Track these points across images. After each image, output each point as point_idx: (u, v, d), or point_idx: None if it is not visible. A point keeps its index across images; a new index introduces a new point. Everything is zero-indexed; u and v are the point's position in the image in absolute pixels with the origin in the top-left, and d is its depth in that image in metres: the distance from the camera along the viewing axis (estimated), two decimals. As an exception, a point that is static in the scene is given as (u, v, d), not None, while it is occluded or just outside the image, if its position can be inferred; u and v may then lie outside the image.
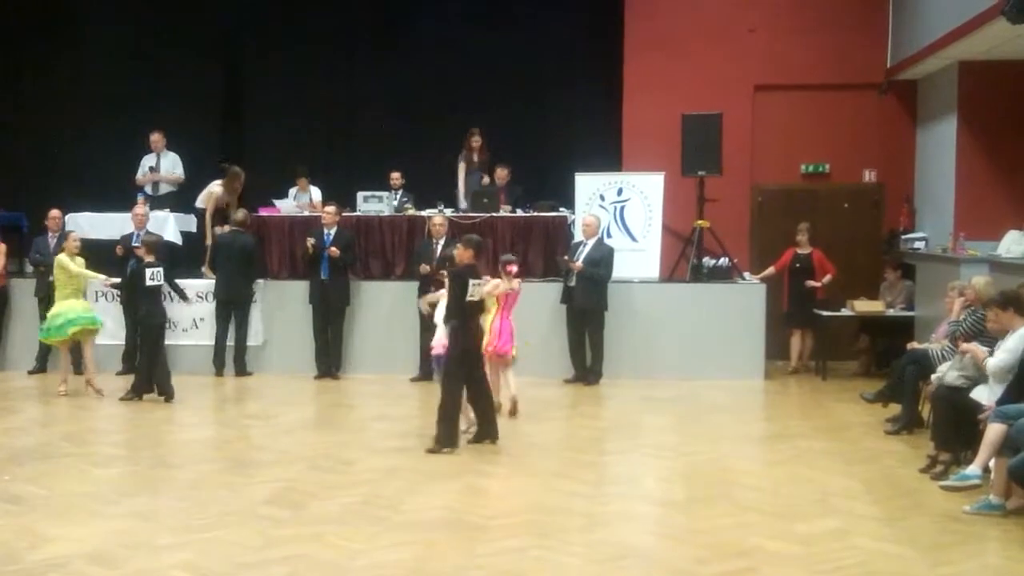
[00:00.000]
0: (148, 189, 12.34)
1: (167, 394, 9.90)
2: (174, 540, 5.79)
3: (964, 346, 7.45)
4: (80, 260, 10.26)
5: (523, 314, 9.69)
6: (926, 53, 11.44)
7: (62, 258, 10.12)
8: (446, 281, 8.25)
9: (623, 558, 5.54)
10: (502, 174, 12.40)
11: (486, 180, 12.42)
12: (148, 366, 10.01)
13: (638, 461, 7.94)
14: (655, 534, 6.10)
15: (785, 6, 13.01)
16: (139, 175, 12.44)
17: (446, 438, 7.82)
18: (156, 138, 12.41)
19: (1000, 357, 6.95)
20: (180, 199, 12.45)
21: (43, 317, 11.63)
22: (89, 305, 10.55)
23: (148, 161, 12.45)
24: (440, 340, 8.22)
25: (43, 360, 11.69)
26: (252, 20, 13.98)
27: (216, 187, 11.98)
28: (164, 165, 12.41)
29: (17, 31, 13.90)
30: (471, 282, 7.91)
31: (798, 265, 11.96)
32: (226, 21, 13.95)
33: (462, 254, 8.14)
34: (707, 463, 7.65)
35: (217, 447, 8.29)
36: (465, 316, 7.95)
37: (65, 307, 10.09)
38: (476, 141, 12.47)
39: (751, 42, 13.00)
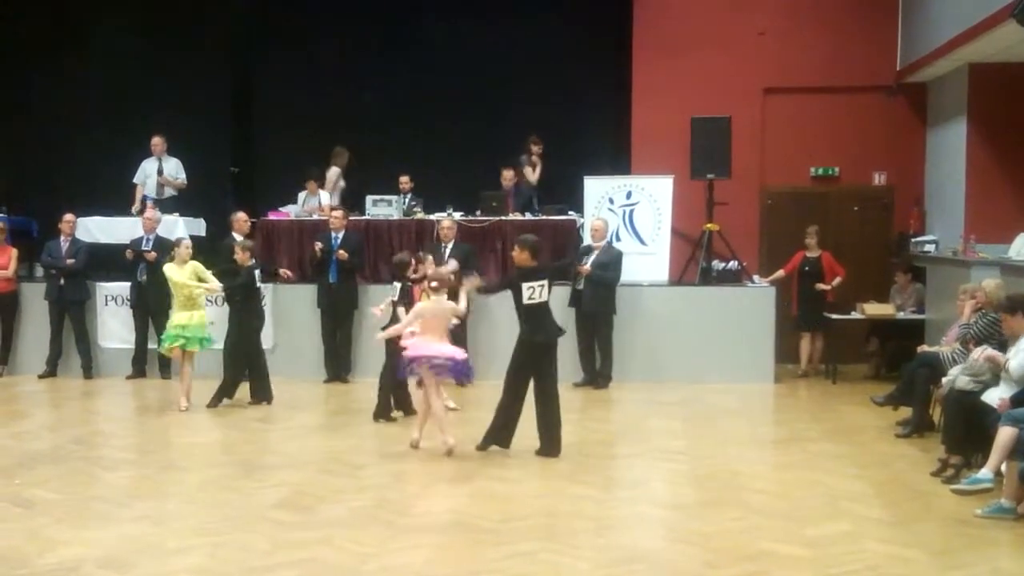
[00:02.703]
0: (152, 193, 12.37)
1: (268, 398, 10.02)
2: (184, 544, 5.80)
3: (985, 354, 7.32)
4: (192, 265, 9.70)
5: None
6: (936, 55, 11.43)
7: (167, 269, 9.64)
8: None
9: (632, 562, 5.52)
10: (508, 176, 12.40)
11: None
12: (258, 368, 10.07)
13: (647, 465, 7.92)
14: (664, 538, 6.08)
15: (794, 9, 13.00)
16: (137, 178, 12.46)
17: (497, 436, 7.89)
18: (157, 141, 12.43)
19: (1019, 359, 6.88)
20: (182, 203, 12.49)
21: (53, 322, 11.72)
22: (203, 318, 9.77)
23: (148, 165, 12.49)
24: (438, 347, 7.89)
25: (53, 364, 11.74)
26: (260, 24, 14.05)
27: (332, 172, 12.45)
28: (167, 169, 12.46)
29: (25, 37, 13.96)
30: (526, 284, 7.71)
31: (807, 268, 11.94)
32: (234, 25, 14.02)
33: (519, 256, 7.89)
34: (716, 467, 7.63)
35: (226, 451, 8.29)
36: (528, 322, 7.76)
37: (179, 320, 9.59)
38: (536, 150, 12.39)
39: (760, 45, 13.00)
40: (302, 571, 5.39)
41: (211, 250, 11.34)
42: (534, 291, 7.74)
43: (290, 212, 12.39)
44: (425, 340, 7.90)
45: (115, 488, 7.07)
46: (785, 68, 12.95)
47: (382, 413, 9.13)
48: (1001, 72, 11.14)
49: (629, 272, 11.25)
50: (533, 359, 7.81)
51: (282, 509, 6.46)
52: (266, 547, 5.74)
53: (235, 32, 14.11)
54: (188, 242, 10.00)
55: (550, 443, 7.83)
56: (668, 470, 7.67)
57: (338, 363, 11.43)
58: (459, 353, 7.99)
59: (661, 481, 7.45)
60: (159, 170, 12.41)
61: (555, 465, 7.69)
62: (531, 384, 7.86)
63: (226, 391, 9.90)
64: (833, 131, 13.00)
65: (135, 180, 12.49)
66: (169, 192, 12.46)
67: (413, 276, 9.04)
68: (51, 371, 11.73)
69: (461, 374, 8.12)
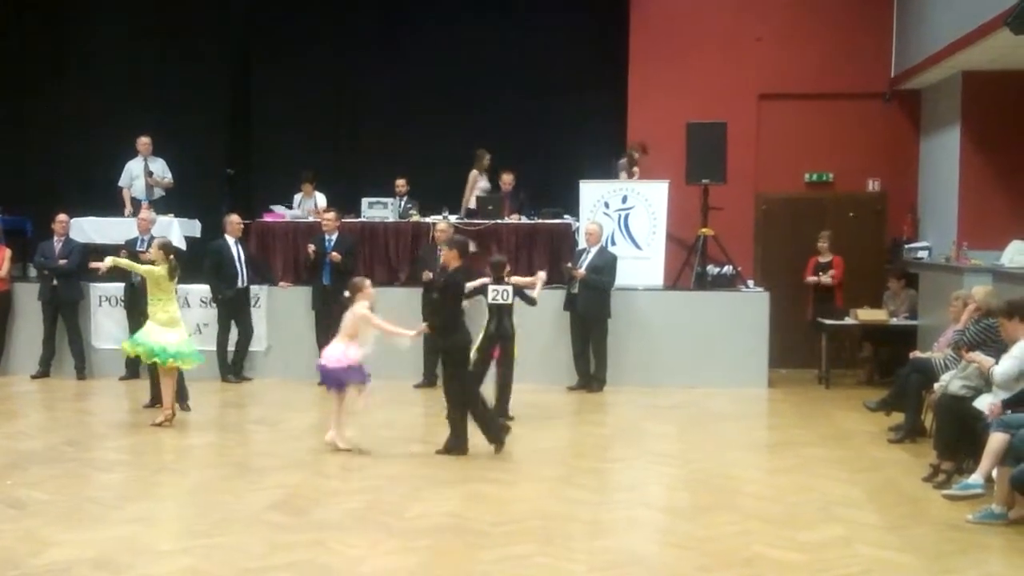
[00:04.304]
0: (141, 195, 12.34)
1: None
2: (177, 546, 5.80)
3: (969, 356, 7.44)
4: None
5: (526, 320, 9.72)
6: (930, 63, 11.47)
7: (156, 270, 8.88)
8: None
9: (627, 565, 5.54)
10: (507, 179, 12.41)
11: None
12: None
13: (642, 468, 7.93)
14: (659, 542, 6.09)
15: (790, 15, 13.04)
16: (123, 181, 12.44)
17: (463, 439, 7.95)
18: (145, 141, 12.43)
19: (1005, 365, 6.94)
20: (178, 204, 12.47)
21: (46, 322, 11.68)
22: (176, 330, 8.94)
23: (134, 166, 12.46)
24: (339, 354, 8.03)
25: (46, 365, 11.71)
26: (259, 26, 14.04)
27: (472, 175, 12.50)
28: (155, 170, 12.45)
29: (22, 37, 13.94)
30: (468, 285, 7.92)
31: (819, 273, 12.04)
32: (232, 27, 14.00)
33: (447, 256, 8.13)
34: (711, 471, 7.65)
35: (220, 452, 8.29)
36: (462, 323, 7.93)
37: (151, 332, 8.85)
38: (636, 157, 12.26)
39: (756, 51, 13.03)
40: (296, 573, 5.39)
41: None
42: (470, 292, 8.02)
43: (285, 214, 12.38)
44: None
45: (108, 489, 7.06)
46: (780, 74, 12.99)
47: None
48: (994, 80, 11.19)
49: (624, 276, 11.26)
50: (466, 359, 7.99)
51: (276, 511, 6.46)
52: (260, 549, 5.73)
53: (232, 33, 14.09)
54: (161, 240, 9.63)
55: (498, 430, 8.01)
56: (662, 474, 7.69)
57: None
58: (333, 359, 8.03)
59: (655, 485, 7.46)
60: (148, 171, 12.39)
61: (549, 468, 7.70)
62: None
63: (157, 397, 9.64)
64: (828, 137, 13.03)
65: (120, 183, 12.47)
66: (158, 192, 12.45)
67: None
68: (44, 372, 11.70)
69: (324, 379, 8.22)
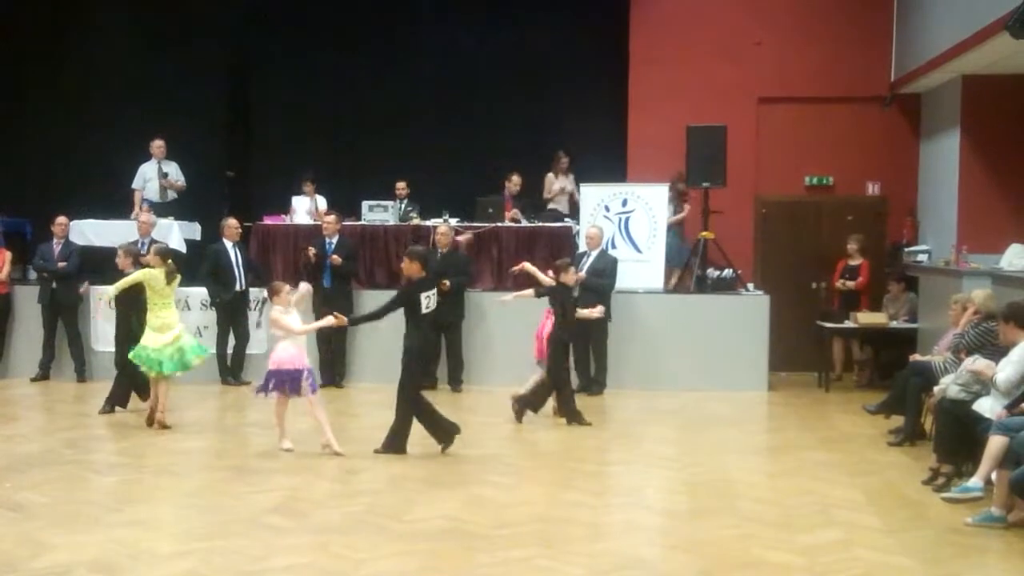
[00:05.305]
0: (154, 197, 12.37)
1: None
2: (177, 548, 5.79)
3: (972, 367, 7.38)
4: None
5: (526, 324, 9.73)
6: (930, 67, 11.49)
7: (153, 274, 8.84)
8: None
9: (626, 568, 5.53)
10: (516, 181, 12.42)
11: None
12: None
13: (641, 472, 7.93)
14: (658, 545, 6.10)
15: (790, 19, 13.07)
16: (136, 183, 12.46)
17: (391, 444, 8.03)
18: (159, 144, 12.46)
19: (1008, 371, 6.92)
20: (178, 207, 12.48)
21: (46, 325, 11.66)
22: (178, 336, 8.95)
23: (148, 169, 12.48)
24: (286, 356, 8.06)
25: (46, 368, 11.71)
26: (258, 28, 14.05)
27: (548, 177, 12.61)
28: (169, 172, 12.48)
29: (22, 38, 13.95)
30: (423, 295, 7.89)
31: (847, 276, 12.15)
32: (232, 28, 14.02)
33: (409, 267, 8.07)
34: (710, 474, 7.65)
35: (220, 455, 8.28)
36: (421, 329, 7.96)
37: (152, 339, 8.84)
38: (683, 187, 12.22)
39: (756, 54, 13.06)
40: (295, 576, 5.40)
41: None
42: (430, 300, 7.95)
43: (296, 208, 12.31)
44: None
45: (107, 492, 7.05)
46: (780, 78, 13.01)
47: (574, 418, 9.40)
48: (994, 84, 11.20)
49: (624, 279, 11.27)
50: (425, 365, 8.04)
51: (276, 514, 6.46)
52: (260, 552, 5.73)
53: (232, 36, 14.10)
54: (160, 245, 9.71)
55: (448, 433, 8.03)
56: (662, 477, 7.69)
57: (333, 368, 11.43)
58: (286, 360, 8.10)
59: (655, 488, 7.46)
60: (163, 173, 12.41)
61: (549, 471, 7.71)
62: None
63: (119, 399, 9.70)
64: (828, 141, 13.05)
65: (134, 186, 12.48)
66: (172, 195, 12.49)
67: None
68: (44, 374, 11.70)
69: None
